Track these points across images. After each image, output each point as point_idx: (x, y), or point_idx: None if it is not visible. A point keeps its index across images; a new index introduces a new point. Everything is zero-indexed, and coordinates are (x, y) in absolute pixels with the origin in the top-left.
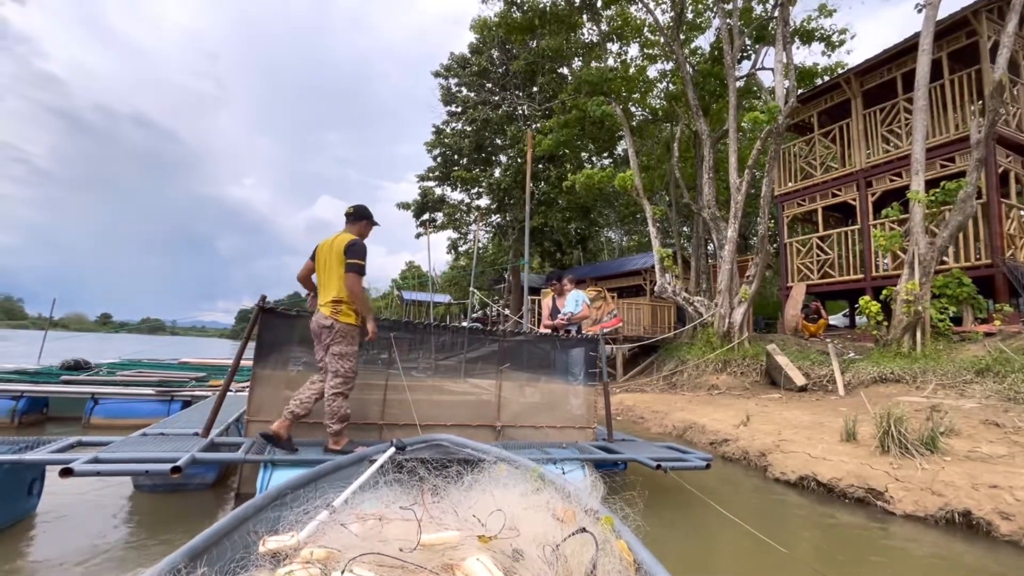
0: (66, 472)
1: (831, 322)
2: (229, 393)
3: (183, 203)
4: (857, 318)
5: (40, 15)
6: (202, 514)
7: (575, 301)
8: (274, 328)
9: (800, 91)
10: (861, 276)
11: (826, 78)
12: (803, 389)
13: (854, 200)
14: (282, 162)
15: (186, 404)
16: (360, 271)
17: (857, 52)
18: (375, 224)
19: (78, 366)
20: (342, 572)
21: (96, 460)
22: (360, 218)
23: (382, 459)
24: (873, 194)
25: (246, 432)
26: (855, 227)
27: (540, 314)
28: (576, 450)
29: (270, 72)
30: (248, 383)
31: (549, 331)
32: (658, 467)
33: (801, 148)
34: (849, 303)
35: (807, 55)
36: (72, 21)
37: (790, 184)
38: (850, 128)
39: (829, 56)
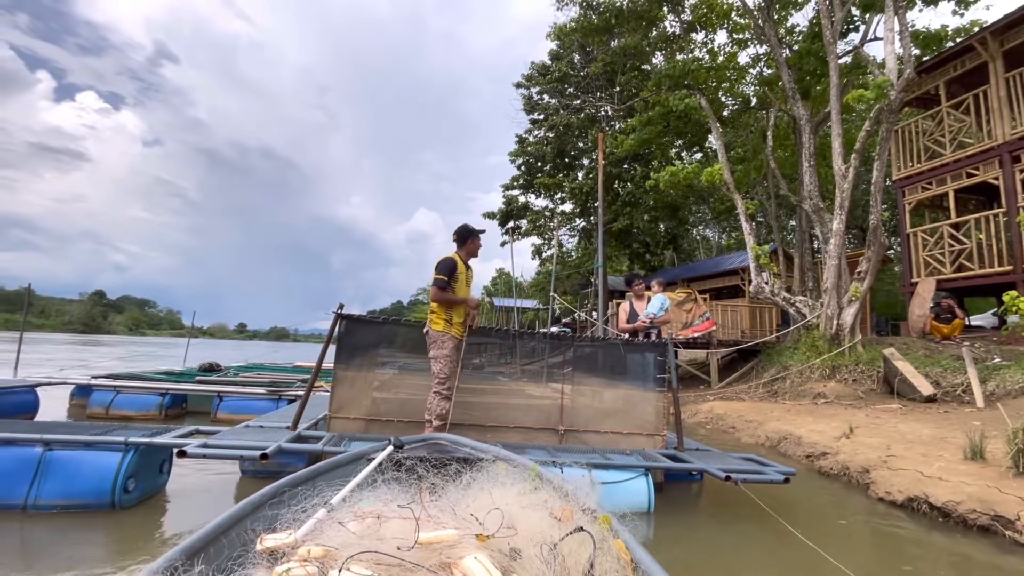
0: (180, 453)
1: (974, 322)
2: (323, 393)
3: (302, 223)
4: (1008, 317)
5: (190, 70)
6: None
7: (660, 304)
8: (353, 332)
9: (923, 59)
10: (1010, 267)
11: (959, 40)
12: (931, 399)
13: (996, 179)
14: (383, 180)
15: (291, 402)
16: (438, 284)
17: (997, 7)
18: (479, 233)
19: (211, 368)
20: (339, 570)
21: (204, 445)
22: (461, 239)
23: (380, 457)
24: (1023, 171)
25: (328, 427)
26: (999, 210)
27: (618, 318)
28: (640, 456)
29: (372, 98)
30: None
31: (627, 335)
32: (727, 479)
33: (925, 124)
34: (996, 299)
35: (932, 17)
36: (213, 71)
37: (914, 165)
38: (988, 96)
39: (961, 15)
